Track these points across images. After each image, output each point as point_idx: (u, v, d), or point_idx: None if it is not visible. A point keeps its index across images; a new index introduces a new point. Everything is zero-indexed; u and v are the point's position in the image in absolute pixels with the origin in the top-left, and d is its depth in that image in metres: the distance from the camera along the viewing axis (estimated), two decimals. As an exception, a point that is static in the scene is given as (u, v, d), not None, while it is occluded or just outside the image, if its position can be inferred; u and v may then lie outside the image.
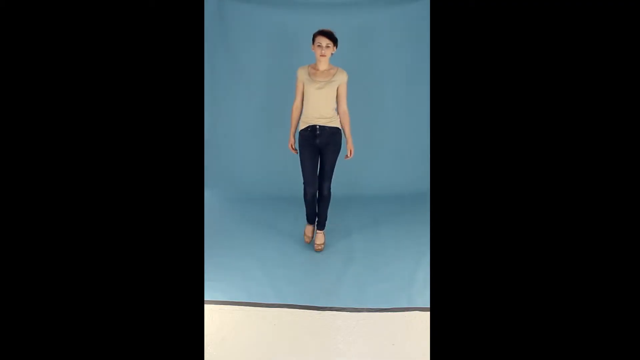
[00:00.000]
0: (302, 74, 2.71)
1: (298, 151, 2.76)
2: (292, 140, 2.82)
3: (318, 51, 2.60)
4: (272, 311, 2.29)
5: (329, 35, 2.59)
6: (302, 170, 2.76)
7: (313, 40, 2.63)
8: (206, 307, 2.33)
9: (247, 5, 3.67)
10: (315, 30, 2.63)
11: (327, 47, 2.58)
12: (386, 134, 3.69)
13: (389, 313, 2.23)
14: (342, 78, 2.69)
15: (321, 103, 2.67)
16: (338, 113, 2.73)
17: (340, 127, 2.73)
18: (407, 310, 2.25)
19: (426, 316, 2.18)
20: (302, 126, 2.71)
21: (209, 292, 2.45)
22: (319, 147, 2.71)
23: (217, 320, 2.24)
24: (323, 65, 2.66)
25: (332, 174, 2.78)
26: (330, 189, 2.81)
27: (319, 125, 2.68)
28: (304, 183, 2.79)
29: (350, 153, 2.77)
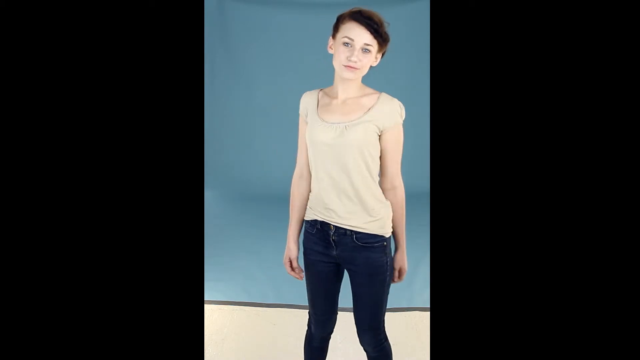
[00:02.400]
0: (306, 105, 1.38)
1: (303, 270, 1.50)
2: (293, 251, 1.48)
3: (343, 56, 1.24)
4: (272, 311, 2.29)
5: (372, 25, 1.23)
6: (308, 297, 1.52)
7: (335, 29, 1.29)
8: (206, 307, 2.33)
9: (247, 5, 3.67)
10: (329, 22, 1.35)
11: (366, 50, 1.24)
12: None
13: (389, 313, 2.22)
14: (389, 114, 1.29)
15: (337, 173, 1.31)
16: (384, 193, 1.36)
17: (382, 234, 1.35)
18: (407, 310, 2.25)
19: (426, 316, 2.17)
20: (307, 216, 1.44)
21: (209, 292, 2.45)
22: (339, 263, 1.42)
23: (217, 320, 2.24)
24: (349, 87, 1.31)
25: (378, 316, 1.43)
26: (382, 344, 1.48)
27: (335, 226, 1.36)
28: (309, 316, 1.58)
29: (400, 275, 1.45)
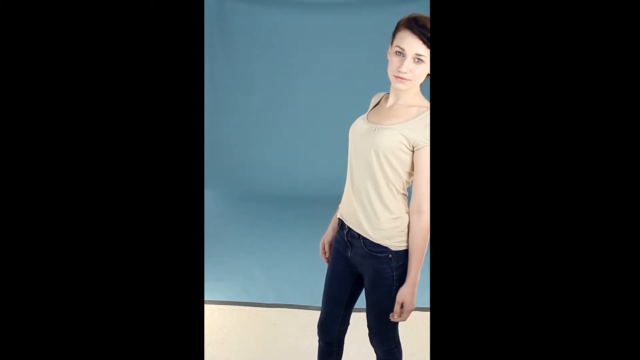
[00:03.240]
0: (371, 103, 1.42)
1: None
2: (329, 235, 1.51)
3: (394, 65, 1.24)
4: (272, 311, 2.29)
5: (426, 34, 1.20)
6: (324, 293, 1.52)
7: (393, 36, 1.29)
8: (206, 307, 2.33)
9: (247, 6, 3.67)
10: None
11: (419, 60, 1.22)
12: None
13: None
14: (424, 131, 1.22)
15: (358, 174, 1.32)
16: (410, 215, 1.29)
17: (387, 246, 1.30)
18: (407, 310, 2.24)
19: (426, 316, 2.18)
20: (339, 213, 1.46)
21: (209, 292, 2.45)
22: (355, 265, 1.42)
23: (217, 320, 2.24)
24: (400, 94, 1.29)
25: (385, 324, 1.40)
26: (391, 350, 1.47)
27: (349, 227, 1.37)
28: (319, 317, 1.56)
29: (402, 312, 1.30)
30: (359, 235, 1.34)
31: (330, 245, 1.51)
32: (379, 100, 1.39)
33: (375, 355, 1.53)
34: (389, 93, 1.35)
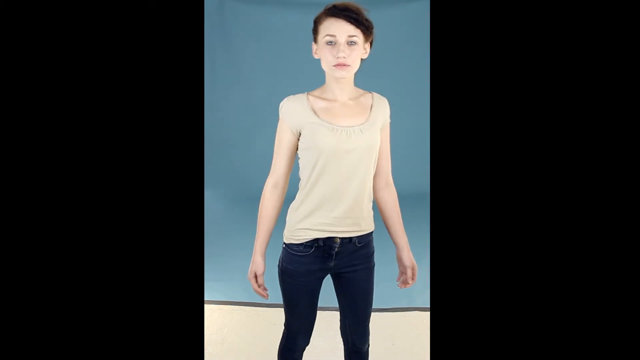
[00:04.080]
0: (297, 111, 1.26)
1: (282, 288, 1.42)
2: (260, 265, 1.38)
3: (329, 55, 1.20)
4: (272, 311, 2.29)
5: (351, 15, 1.18)
6: (291, 314, 1.44)
7: (315, 32, 1.24)
8: (206, 307, 2.33)
9: (247, 5, 3.68)
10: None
11: (352, 42, 1.18)
12: (386, 134, 3.68)
13: (389, 313, 2.23)
14: (384, 112, 1.32)
15: (345, 179, 1.26)
16: (378, 191, 1.36)
17: (372, 229, 1.37)
18: (407, 310, 2.25)
19: (426, 316, 2.18)
20: (296, 239, 1.34)
21: (209, 292, 2.45)
22: (333, 272, 1.39)
23: (217, 320, 2.24)
24: (346, 88, 1.27)
25: (369, 317, 1.43)
26: (369, 336, 1.48)
27: (342, 238, 1.31)
28: (289, 331, 1.48)
29: (414, 275, 1.39)
30: (353, 237, 1.32)
31: (262, 276, 1.38)
32: (307, 103, 1.25)
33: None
34: (308, 94, 1.28)
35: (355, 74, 1.29)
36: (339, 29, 1.18)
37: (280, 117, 1.30)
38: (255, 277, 1.38)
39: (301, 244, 1.33)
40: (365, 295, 1.40)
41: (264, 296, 1.40)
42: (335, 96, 1.27)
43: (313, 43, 1.28)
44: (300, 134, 1.28)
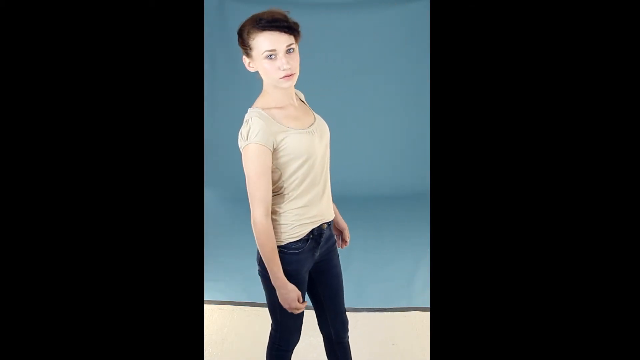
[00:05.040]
0: (270, 129, 1.23)
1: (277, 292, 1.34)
2: (296, 290, 1.32)
3: (273, 70, 1.21)
4: (272, 311, 2.28)
5: (283, 24, 1.19)
6: (290, 314, 1.38)
7: (244, 46, 1.25)
8: (206, 307, 2.33)
9: (247, 5, 3.67)
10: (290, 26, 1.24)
11: (290, 50, 1.22)
12: (386, 134, 3.69)
13: (389, 313, 2.23)
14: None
15: (323, 173, 1.37)
16: None
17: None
18: (407, 310, 2.25)
19: (426, 316, 2.18)
20: (296, 236, 1.34)
21: (209, 292, 2.45)
22: (315, 264, 1.43)
23: (217, 320, 2.24)
24: (290, 91, 1.32)
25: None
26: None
27: (327, 222, 1.40)
28: (283, 331, 1.47)
29: (348, 235, 1.57)
30: (329, 223, 1.42)
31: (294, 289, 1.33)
32: (270, 118, 1.25)
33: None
34: (262, 109, 1.26)
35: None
36: (277, 42, 1.19)
37: (253, 142, 1.23)
38: (298, 298, 1.34)
39: (299, 240, 1.36)
40: (341, 280, 1.52)
41: (296, 309, 1.36)
42: (285, 102, 1.31)
43: (243, 57, 1.27)
44: (274, 147, 1.26)
